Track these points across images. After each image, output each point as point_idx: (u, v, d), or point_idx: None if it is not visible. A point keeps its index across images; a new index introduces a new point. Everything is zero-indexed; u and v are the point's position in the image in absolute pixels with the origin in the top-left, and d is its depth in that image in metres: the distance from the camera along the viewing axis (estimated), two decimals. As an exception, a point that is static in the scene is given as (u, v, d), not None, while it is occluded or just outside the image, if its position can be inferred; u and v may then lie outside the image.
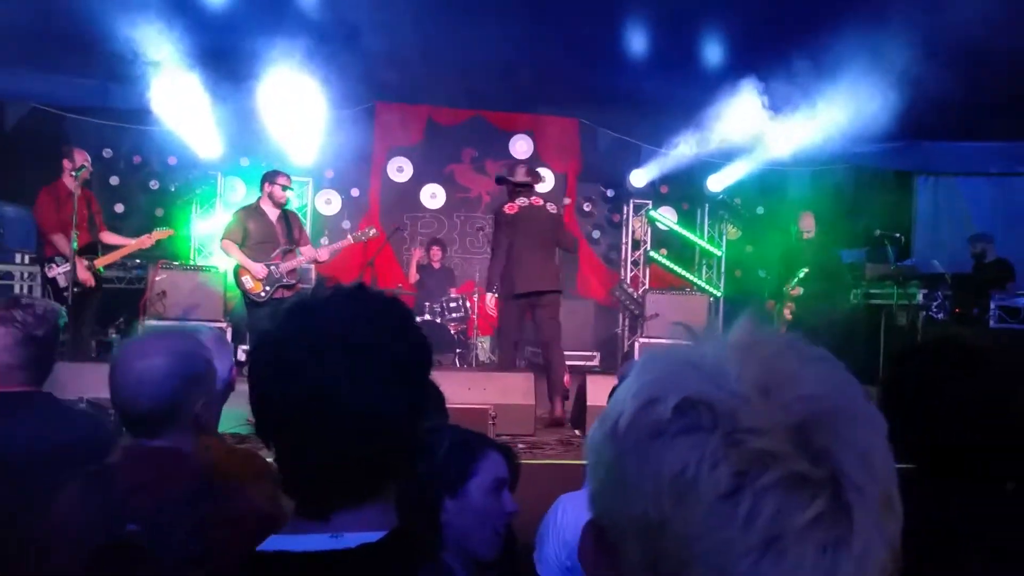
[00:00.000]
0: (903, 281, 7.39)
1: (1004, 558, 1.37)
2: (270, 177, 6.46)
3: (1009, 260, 7.80)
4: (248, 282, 6.28)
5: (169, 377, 1.64)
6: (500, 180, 6.68)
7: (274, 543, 0.97)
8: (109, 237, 6.54)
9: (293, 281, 6.38)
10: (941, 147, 9.46)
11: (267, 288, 6.27)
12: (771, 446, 0.51)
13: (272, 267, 6.28)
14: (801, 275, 7.16)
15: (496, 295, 6.34)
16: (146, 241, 6.47)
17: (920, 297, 7.28)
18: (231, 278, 7.19)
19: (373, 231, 7.10)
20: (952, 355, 1.55)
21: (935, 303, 7.24)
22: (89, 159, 6.23)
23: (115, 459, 1.73)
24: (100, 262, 6.15)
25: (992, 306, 6.98)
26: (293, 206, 6.73)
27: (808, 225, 7.56)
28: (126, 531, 1.54)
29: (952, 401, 1.46)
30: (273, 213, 6.42)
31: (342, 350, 0.96)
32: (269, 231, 6.34)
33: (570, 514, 2.13)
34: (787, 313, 7.33)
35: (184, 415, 1.68)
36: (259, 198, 6.50)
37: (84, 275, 6.04)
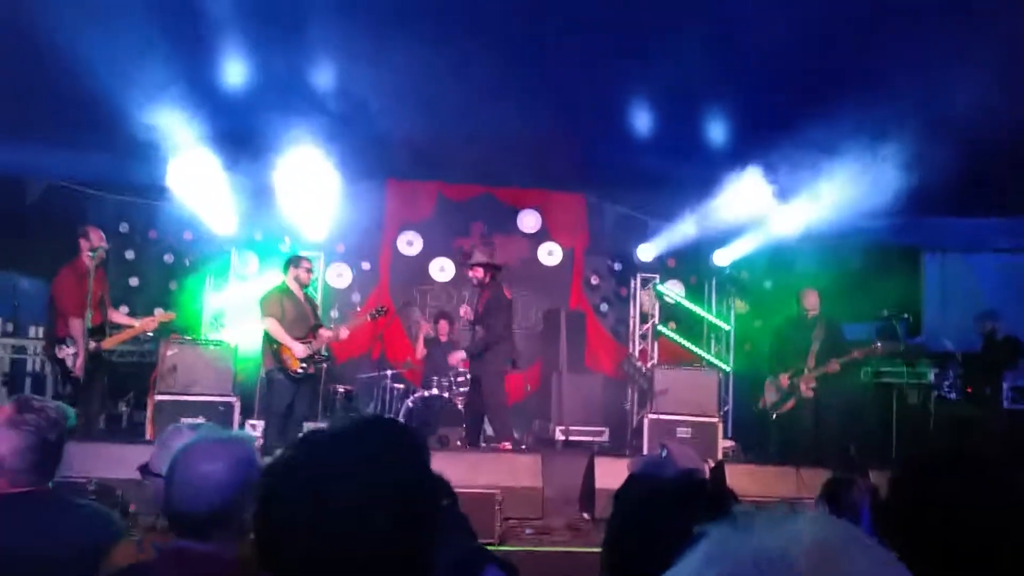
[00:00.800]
0: (913, 360, 7.34)
1: None
2: (295, 262, 6.99)
3: (1019, 338, 7.74)
4: (288, 360, 6.68)
5: (230, 484, 1.66)
6: (479, 264, 7.45)
7: None
8: (116, 316, 6.67)
9: (326, 355, 7.00)
10: (947, 223, 9.52)
11: (304, 365, 6.69)
12: None
13: (307, 344, 6.74)
14: (870, 358, 7.13)
15: (508, 371, 6.90)
16: (150, 324, 6.63)
17: (931, 376, 7.23)
18: (245, 351, 7.30)
19: (384, 309, 7.52)
20: (965, 475, 1.54)
21: (947, 382, 7.17)
22: (104, 238, 6.35)
23: (154, 559, 1.72)
24: (107, 344, 6.21)
25: (1005, 387, 6.91)
26: (301, 282, 7.04)
27: (812, 303, 7.55)
28: None
29: (962, 526, 1.45)
30: (300, 294, 6.93)
31: (350, 495, 0.98)
32: (301, 311, 6.86)
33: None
34: (805, 388, 7.23)
35: (235, 521, 1.68)
36: (285, 280, 6.95)
37: (94, 346, 6.08)
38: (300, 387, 6.74)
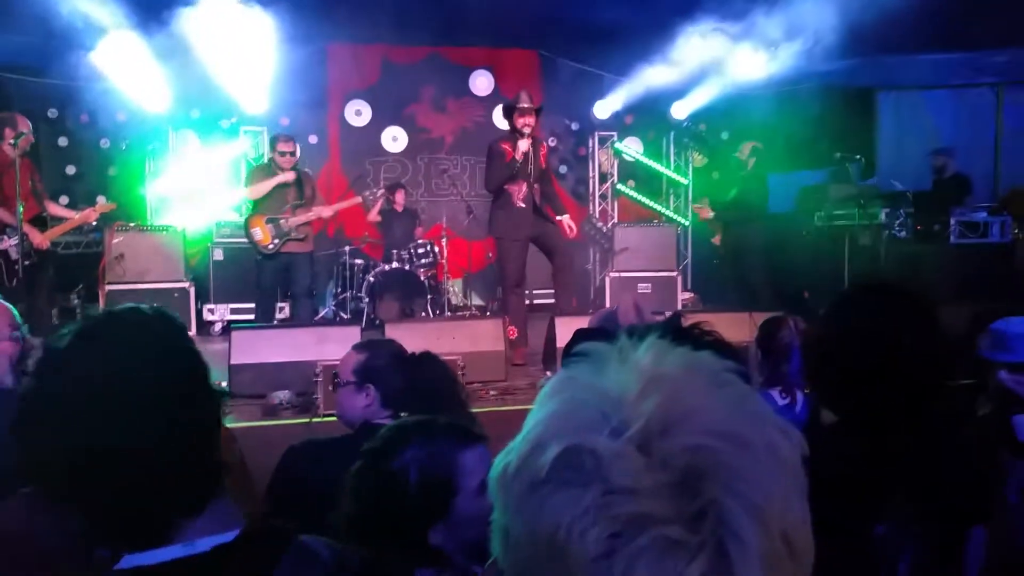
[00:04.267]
0: (865, 202, 7.40)
1: (919, 496, 1.41)
2: (272, 143, 6.79)
3: (966, 174, 7.82)
4: (257, 233, 6.52)
5: None
6: (536, 109, 6.21)
7: (129, 560, 0.96)
8: (54, 208, 6.38)
9: (302, 236, 6.64)
10: (903, 60, 9.36)
11: (276, 240, 6.51)
12: (646, 508, 0.49)
13: (282, 220, 6.52)
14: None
15: None
16: (90, 215, 6.33)
17: (883, 216, 7.29)
18: (194, 234, 7.05)
19: (381, 191, 7.69)
20: (881, 305, 1.54)
21: (897, 221, 7.26)
22: (30, 126, 5.98)
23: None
24: (47, 236, 5.97)
25: (952, 222, 7.02)
26: (277, 163, 6.65)
27: (743, 156, 7.62)
28: (97, 556, 1.48)
29: (872, 352, 1.46)
30: (285, 174, 6.64)
31: (105, 394, 0.94)
32: (279, 190, 6.60)
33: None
34: (716, 240, 7.55)
35: None
36: (271, 158, 6.78)
37: (38, 239, 5.86)
38: (273, 265, 6.58)
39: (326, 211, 6.82)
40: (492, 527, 0.59)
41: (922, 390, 1.45)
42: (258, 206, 6.58)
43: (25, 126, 5.90)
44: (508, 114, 6.25)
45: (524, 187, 6.21)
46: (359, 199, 7.17)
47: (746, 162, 7.70)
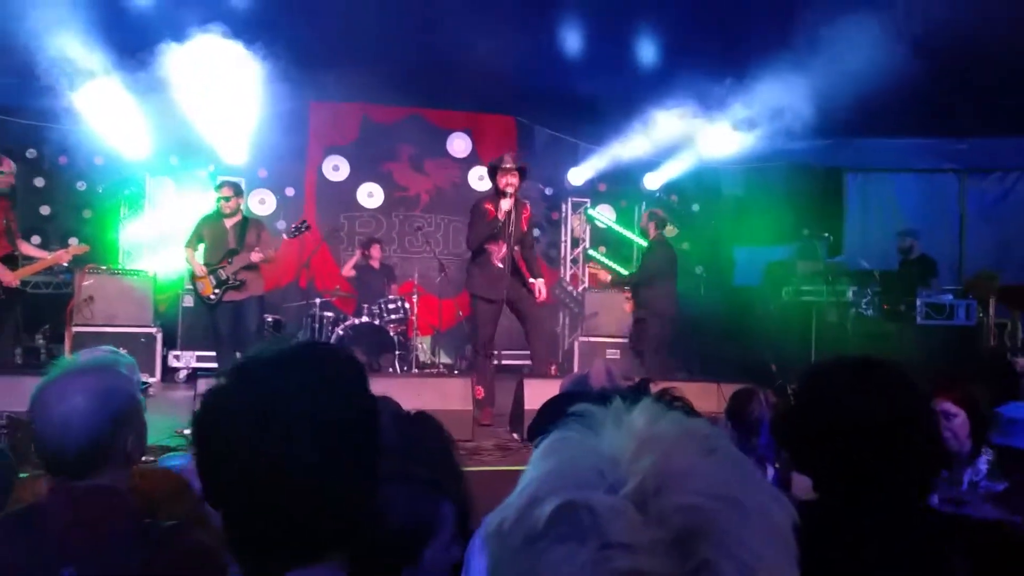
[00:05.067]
0: (832, 279, 7.56)
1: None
2: (216, 190, 6.73)
3: (932, 256, 8.03)
4: (200, 286, 6.50)
5: (94, 419, 1.55)
6: (520, 168, 6.28)
7: None
8: (26, 248, 6.32)
9: (237, 283, 6.55)
10: (871, 143, 9.70)
11: (217, 291, 6.49)
12: (642, 564, 0.49)
13: (220, 270, 6.48)
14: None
15: None
16: (63, 256, 6.28)
17: (850, 294, 7.44)
18: (165, 280, 6.96)
19: (306, 224, 7.22)
20: (850, 376, 1.57)
21: (865, 300, 7.40)
22: (13, 167, 5.96)
23: (43, 499, 1.63)
24: (17, 275, 5.89)
25: (919, 303, 7.16)
26: (220, 209, 6.61)
27: (642, 225, 7.78)
28: (61, 575, 1.46)
29: (849, 426, 1.48)
30: (230, 220, 6.61)
31: (288, 418, 0.96)
32: (220, 238, 6.58)
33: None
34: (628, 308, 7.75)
35: (116, 454, 1.60)
36: (217, 207, 6.73)
37: (8, 277, 5.79)
38: (222, 314, 6.54)
39: (255, 255, 6.59)
40: None
41: (900, 459, 1.46)
42: (201, 255, 6.58)
43: (8, 167, 5.89)
44: (492, 174, 6.31)
45: (504, 247, 6.22)
46: (283, 237, 7.14)
47: (646, 230, 7.90)
